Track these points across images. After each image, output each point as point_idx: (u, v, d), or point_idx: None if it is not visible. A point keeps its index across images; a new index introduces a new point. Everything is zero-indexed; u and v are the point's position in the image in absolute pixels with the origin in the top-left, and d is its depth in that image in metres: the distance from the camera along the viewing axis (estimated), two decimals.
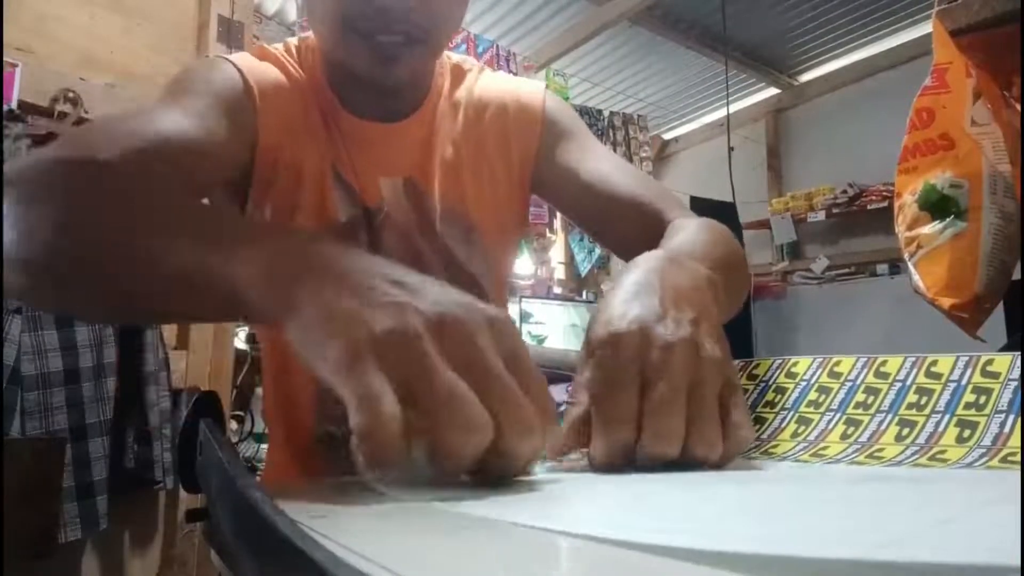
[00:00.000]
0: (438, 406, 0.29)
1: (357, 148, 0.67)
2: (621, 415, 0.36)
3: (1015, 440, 0.32)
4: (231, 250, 0.35)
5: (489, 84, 0.75)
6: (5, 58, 1.42)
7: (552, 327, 4.29)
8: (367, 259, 0.35)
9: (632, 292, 0.40)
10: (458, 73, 0.75)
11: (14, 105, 1.43)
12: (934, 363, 0.38)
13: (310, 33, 0.71)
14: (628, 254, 0.73)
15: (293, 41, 0.72)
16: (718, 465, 0.36)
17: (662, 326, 0.37)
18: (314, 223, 0.65)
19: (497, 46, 3.41)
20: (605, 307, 0.40)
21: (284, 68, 0.68)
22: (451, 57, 0.76)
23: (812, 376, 0.43)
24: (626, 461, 0.36)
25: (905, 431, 0.36)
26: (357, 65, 0.61)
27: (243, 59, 0.67)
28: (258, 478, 0.94)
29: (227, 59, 0.66)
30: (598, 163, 0.72)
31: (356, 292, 0.31)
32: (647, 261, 0.44)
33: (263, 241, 0.36)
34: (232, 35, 1.84)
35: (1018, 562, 0.14)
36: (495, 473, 0.31)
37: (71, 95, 1.52)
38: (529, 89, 0.75)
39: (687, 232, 0.58)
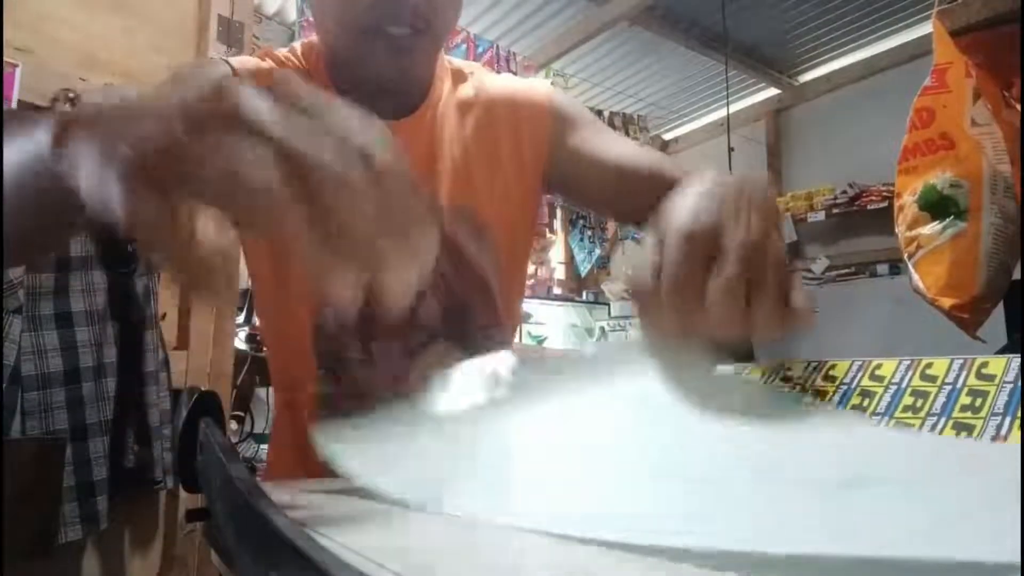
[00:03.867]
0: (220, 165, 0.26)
1: None
2: (688, 294, 0.38)
3: (1012, 442, 0.32)
4: (38, 137, 0.34)
5: (495, 84, 0.76)
6: (5, 58, 1.42)
7: (552, 327, 4.29)
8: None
9: (699, 196, 0.42)
10: (459, 76, 0.76)
11: (14, 105, 1.43)
12: (929, 365, 0.38)
13: (314, 36, 0.71)
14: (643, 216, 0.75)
15: (297, 44, 0.72)
16: (777, 340, 0.39)
17: (732, 221, 0.39)
18: None
19: (497, 46, 3.41)
20: (674, 213, 0.42)
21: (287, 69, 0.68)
22: (452, 61, 0.77)
23: (807, 381, 0.44)
24: (688, 335, 0.38)
25: None
26: (366, 59, 0.63)
27: (243, 62, 0.67)
28: (259, 477, 0.94)
29: (225, 60, 0.66)
30: (614, 143, 0.74)
31: (159, 98, 0.29)
32: (705, 177, 0.46)
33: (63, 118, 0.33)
34: (232, 35, 1.84)
35: (1018, 561, 0.14)
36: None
37: (71, 95, 1.52)
38: (536, 86, 0.77)
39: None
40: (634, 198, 0.72)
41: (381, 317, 0.66)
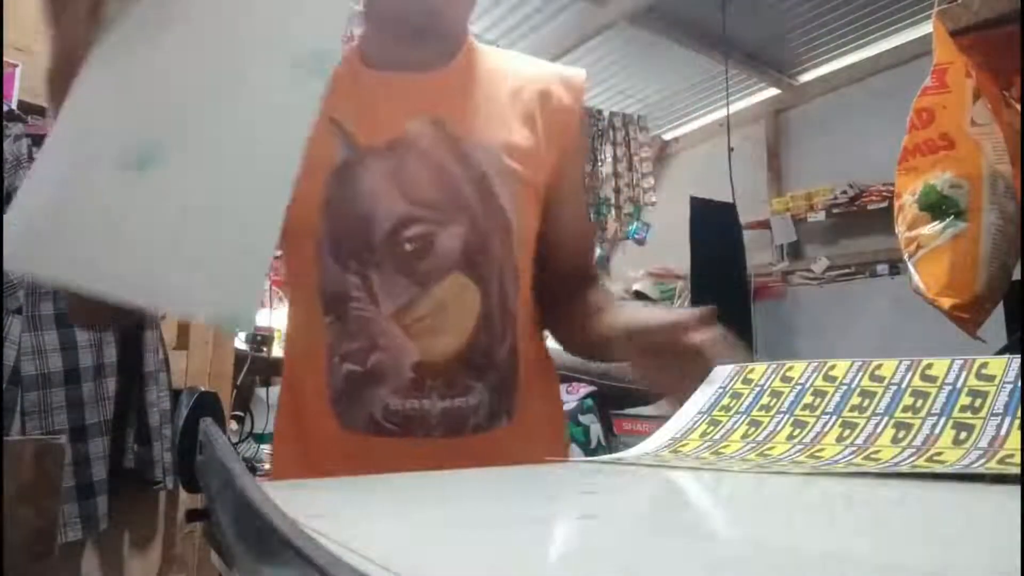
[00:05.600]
0: None
1: (382, 96, 0.71)
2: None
3: (1012, 442, 0.32)
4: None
5: (529, 64, 0.82)
6: (5, 58, 1.42)
7: None
8: None
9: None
10: (489, 50, 0.81)
11: (14, 105, 1.43)
12: (929, 366, 0.38)
13: None
14: (558, 285, 0.80)
15: None
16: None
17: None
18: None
19: (497, 46, 3.40)
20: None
21: None
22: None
23: (807, 380, 0.44)
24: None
25: (901, 434, 0.36)
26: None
27: None
28: (264, 477, 0.95)
29: None
30: (582, 194, 0.86)
31: None
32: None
33: None
34: None
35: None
36: None
37: None
38: (572, 80, 0.85)
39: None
40: (562, 253, 0.80)
41: (380, 249, 0.67)
